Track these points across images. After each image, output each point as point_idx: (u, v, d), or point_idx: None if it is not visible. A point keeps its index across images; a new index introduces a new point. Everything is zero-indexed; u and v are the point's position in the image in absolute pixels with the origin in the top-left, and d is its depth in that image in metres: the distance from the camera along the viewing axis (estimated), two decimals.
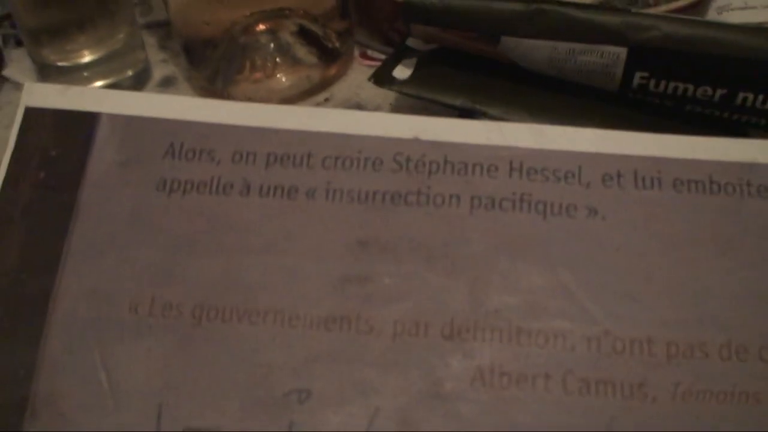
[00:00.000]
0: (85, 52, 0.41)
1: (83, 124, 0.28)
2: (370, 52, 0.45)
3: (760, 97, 0.31)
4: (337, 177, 0.27)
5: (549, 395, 0.24)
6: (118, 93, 0.30)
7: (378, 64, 0.38)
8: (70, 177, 0.27)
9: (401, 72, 0.37)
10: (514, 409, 0.24)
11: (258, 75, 0.41)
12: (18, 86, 0.44)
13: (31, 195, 0.27)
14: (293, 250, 0.26)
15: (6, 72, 0.45)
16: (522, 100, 0.35)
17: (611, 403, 0.24)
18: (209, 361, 0.25)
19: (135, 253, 0.26)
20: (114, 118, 0.28)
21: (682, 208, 0.26)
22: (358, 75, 0.43)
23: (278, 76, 0.41)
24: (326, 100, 0.42)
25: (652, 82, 0.33)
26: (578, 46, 0.33)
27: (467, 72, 0.36)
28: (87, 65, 0.41)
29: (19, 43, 0.46)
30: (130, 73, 0.43)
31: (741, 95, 0.31)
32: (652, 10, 0.36)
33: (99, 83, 0.42)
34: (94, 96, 0.29)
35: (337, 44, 0.42)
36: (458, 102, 0.35)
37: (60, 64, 0.41)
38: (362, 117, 0.28)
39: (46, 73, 0.42)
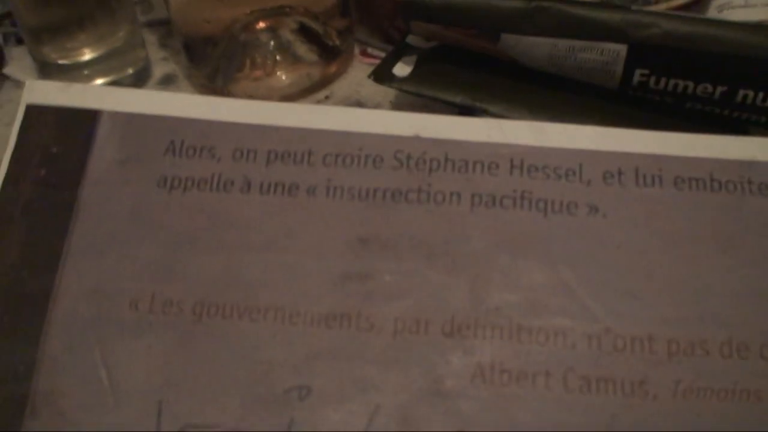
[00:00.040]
0: (86, 50, 0.41)
1: (84, 121, 0.28)
2: (370, 50, 0.45)
3: (761, 95, 0.31)
4: (337, 174, 0.27)
5: (550, 393, 0.24)
6: (119, 90, 0.30)
7: (378, 61, 0.38)
8: (70, 174, 0.27)
9: (401, 69, 0.37)
10: (515, 407, 0.24)
11: (258, 73, 0.41)
12: (19, 84, 0.44)
13: (32, 192, 0.27)
14: (294, 247, 0.26)
15: (7, 70, 0.45)
16: (522, 97, 0.35)
17: (612, 400, 0.24)
18: (210, 358, 0.25)
19: (135, 251, 0.26)
20: (115, 115, 0.28)
21: (683, 206, 0.26)
22: (359, 73, 0.43)
23: (278, 74, 0.41)
24: (326, 97, 0.42)
25: (653, 80, 0.33)
26: (578, 44, 0.33)
27: (467, 69, 0.36)
28: (87, 63, 0.41)
29: (19, 41, 0.46)
30: (130, 71, 0.43)
31: (741, 93, 0.31)
32: (652, 8, 0.36)
33: (99, 81, 0.42)
34: (95, 93, 0.29)
35: (338, 42, 0.42)
36: (458, 99, 0.35)
37: (60, 62, 0.41)
38: (363, 114, 0.28)
39: (47, 71, 0.42)
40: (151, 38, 0.46)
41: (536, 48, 0.34)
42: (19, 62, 0.45)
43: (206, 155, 0.27)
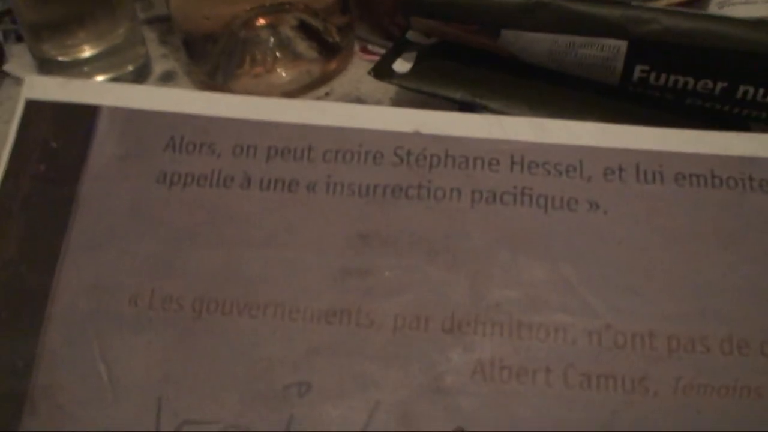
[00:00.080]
0: (86, 47, 0.41)
1: (84, 117, 0.28)
2: (370, 47, 0.45)
3: (761, 91, 0.31)
4: (337, 170, 0.27)
5: (550, 389, 0.24)
6: (118, 86, 0.30)
7: (378, 58, 0.38)
8: (70, 170, 0.27)
9: (401, 66, 0.37)
10: (515, 403, 0.24)
11: (258, 70, 0.41)
12: (18, 81, 0.44)
13: (31, 188, 0.27)
14: (294, 243, 0.26)
15: (6, 67, 0.45)
16: (522, 93, 0.34)
17: (612, 397, 0.24)
18: (209, 354, 0.25)
19: (135, 246, 0.26)
20: (114, 111, 0.28)
21: (683, 202, 0.26)
22: (359, 69, 0.43)
23: (278, 70, 0.41)
24: (326, 94, 0.42)
25: (653, 76, 0.32)
26: (578, 39, 0.33)
27: (467, 65, 0.36)
28: (87, 60, 0.41)
29: (19, 39, 0.46)
30: (130, 68, 0.43)
31: (742, 89, 0.31)
32: (652, 4, 0.36)
33: (99, 78, 0.42)
34: (95, 89, 0.29)
35: (338, 39, 0.42)
36: (458, 95, 0.35)
37: (60, 59, 0.41)
38: (363, 110, 0.28)
39: (47, 68, 0.42)
40: (151, 35, 0.46)
41: (536, 44, 0.34)
42: (19, 59, 0.45)
43: (206, 151, 0.27)
